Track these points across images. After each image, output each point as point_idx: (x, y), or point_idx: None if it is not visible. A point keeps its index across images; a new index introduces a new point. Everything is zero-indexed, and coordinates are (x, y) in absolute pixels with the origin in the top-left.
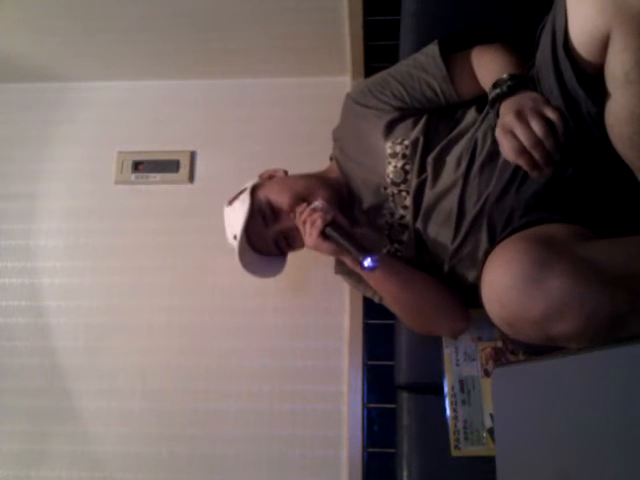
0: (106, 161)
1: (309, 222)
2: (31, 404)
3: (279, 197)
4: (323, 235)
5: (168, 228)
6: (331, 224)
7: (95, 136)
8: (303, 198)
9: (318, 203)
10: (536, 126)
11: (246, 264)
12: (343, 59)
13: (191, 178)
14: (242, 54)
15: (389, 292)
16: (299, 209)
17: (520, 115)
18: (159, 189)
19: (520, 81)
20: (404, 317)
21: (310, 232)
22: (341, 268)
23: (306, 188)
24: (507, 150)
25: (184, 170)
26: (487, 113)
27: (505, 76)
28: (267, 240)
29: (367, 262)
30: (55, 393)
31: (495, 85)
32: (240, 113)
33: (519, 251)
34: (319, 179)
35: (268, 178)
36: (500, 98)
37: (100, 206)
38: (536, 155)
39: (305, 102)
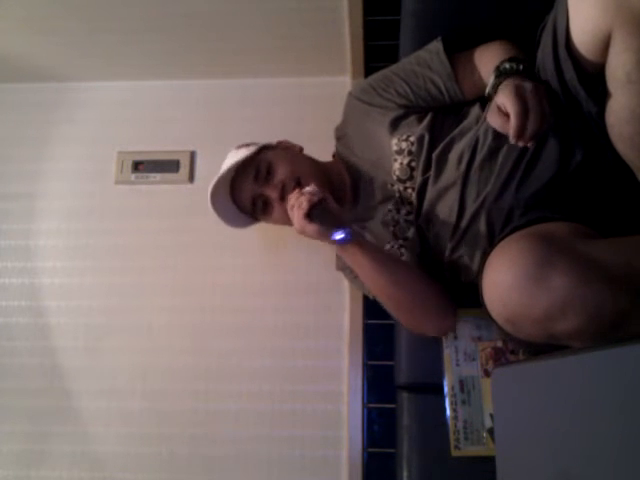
0: (106, 161)
1: (296, 205)
2: (31, 404)
3: (280, 166)
4: (309, 218)
5: (168, 228)
6: (316, 206)
7: (95, 136)
8: (299, 178)
9: (309, 188)
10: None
11: (215, 200)
12: (343, 59)
13: (191, 178)
14: (242, 54)
15: (376, 284)
16: (289, 195)
17: (538, 93)
18: (159, 189)
19: (532, 68)
20: (392, 311)
21: (297, 214)
22: (341, 263)
23: (308, 171)
24: (512, 112)
25: (184, 170)
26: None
27: (522, 57)
28: (246, 194)
29: (338, 235)
30: (55, 393)
31: (510, 60)
32: (240, 113)
33: (521, 250)
34: (323, 169)
35: (284, 147)
36: (511, 73)
37: (100, 206)
38: (522, 139)
39: (305, 102)
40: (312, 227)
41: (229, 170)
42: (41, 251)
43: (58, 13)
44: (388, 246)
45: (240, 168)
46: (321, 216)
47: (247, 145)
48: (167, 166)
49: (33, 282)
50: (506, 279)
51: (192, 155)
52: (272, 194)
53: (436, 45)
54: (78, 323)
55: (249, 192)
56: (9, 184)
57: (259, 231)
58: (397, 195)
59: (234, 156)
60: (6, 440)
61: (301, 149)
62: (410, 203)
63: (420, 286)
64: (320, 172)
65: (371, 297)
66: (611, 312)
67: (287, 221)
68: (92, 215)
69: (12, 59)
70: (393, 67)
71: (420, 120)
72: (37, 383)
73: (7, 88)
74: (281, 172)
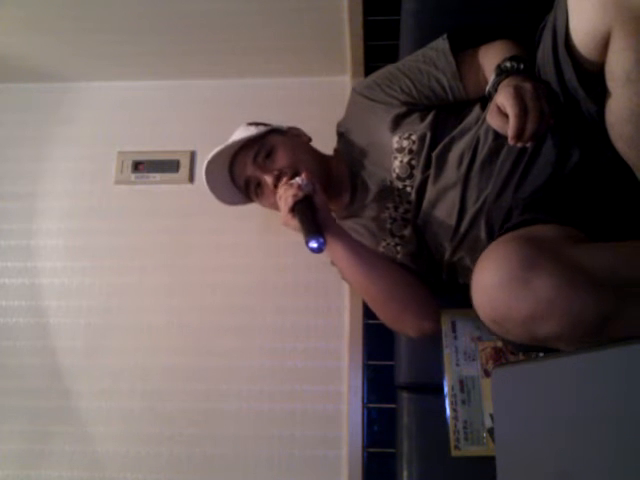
0: (106, 161)
1: (283, 198)
2: (31, 404)
3: (281, 153)
4: (293, 212)
5: (168, 228)
6: (302, 201)
7: (95, 136)
8: (297, 170)
9: (299, 179)
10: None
11: (212, 172)
12: (343, 59)
13: (191, 178)
14: (242, 54)
15: (355, 280)
16: (280, 183)
17: (537, 94)
18: (159, 189)
19: (533, 68)
20: (373, 309)
21: (282, 208)
22: None
23: (308, 163)
24: (511, 113)
25: (184, 170)
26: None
27: (524, 56)
28: (242, 174)
29: (311, 243)
30: (55, 393)
31: (512, 58)
32: (240, 113)
33: (507, 251)
34: (324, 163)
35: (294, 135)
36: (512, 72)
37: (100, 206)
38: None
39: (305, 102)
40: (294, 223)
41: (231, 146)
42: (41, 251)
43: (58, 13)
44: (384, 243)
45: (243, 146)
46: (304, 214)
47: (257, 124)
48: (167, 166)
49: (33, 282)
50: (492, 280)
51: (192, 155)
52: (265, 179)
53: (442, 43)
54: (78, 323)
55: (245, 172)
56: (9, 184)
57: (259, 231)
58: (395, 193)
59: (242, 132)
60: (6, 440)
61: (309, 140)
62: (408, 201)
63: (399, 285)
64: (320, 166)
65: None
66: (595, 316)
67: (276, 207)
68: (92, 215)
69: (12, 59)
70: (398, 64)
71: (422, 118)
72: (37, 383)
73: (7, 88)
74: (280, 160)
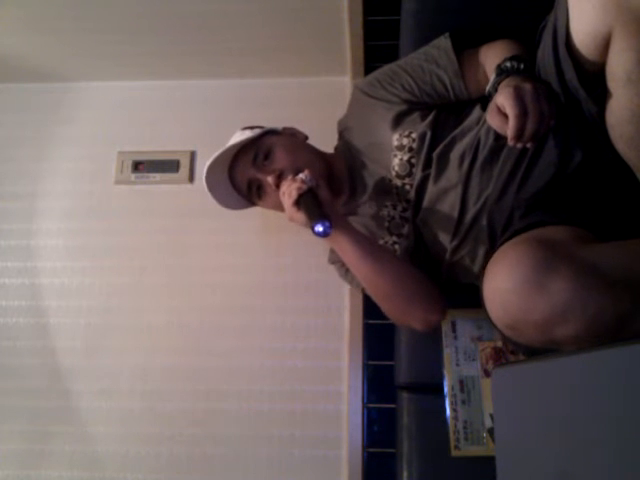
0: (106, 161)
1: (287, 193)
2: (31, 404)
3: (281, 154)
4: (297, 206)
5: (168, 228)
6: (306, 194)
7: (95, 136)
8: (299, 169)
9: (302, 175)
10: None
11: (212, 178)
12: (343, 59)
13: (191, 178)
14: (242, 54)
15: (361, 273)
16: (283, 182)
17: (537, 95)
18: (159, 189)
19: (533, 68)
20: (379, 303)
21: (287, 202)
22: (333, 257)
23: (307, 161)
24: (511, 114)
25: (184, 170)
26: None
27: (525, 56)
28: (243, 177)
29: (317, 227)
30: (55, 393)
31: (512, 58)
32: (240, 113)
33: (521, 255)
34: (324, 160)
35: (289, 134)
36: (512, 71)
37: (100, 206)
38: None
39: (305, 102)
40: (299, 215)
41: (228, 150)
42: (41, 251)
43: (58, 13)
44: (382, 242)
45: (241, 150)
46: (309, 205)
47: (252, 128)
48: (167, 166)
49: (33, 282)
50: (505, 284)
51: (192, 155)
52: (267, 180)
53: (445, 42)
54: (78, 323)
55: (246, 175)
56: (9, 184)
57: (259, 231)
58: (394, 191)
59: (238, 137)
60: (6, 440)
61: (306, 137)
62: (407, 200)
63: (405, 277)
64: (320, 163)
65: (360, 292)
66: (611, 316)
67: (280, 208)
68: (92, 215)
69: (12, 59)
70: (400, 61)
71: (423, 117)
72: (37, 383)
73: (7, 88)
74: (280, 160)
